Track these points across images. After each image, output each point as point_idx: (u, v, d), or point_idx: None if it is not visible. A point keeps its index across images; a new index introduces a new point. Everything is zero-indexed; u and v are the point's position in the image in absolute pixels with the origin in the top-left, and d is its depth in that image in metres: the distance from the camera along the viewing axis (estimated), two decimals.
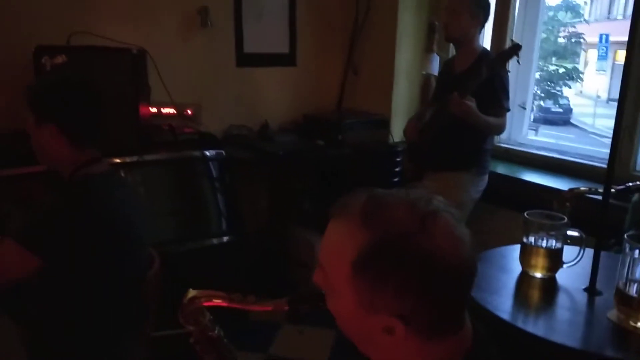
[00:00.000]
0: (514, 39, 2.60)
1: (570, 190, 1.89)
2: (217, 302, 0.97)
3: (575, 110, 5.24)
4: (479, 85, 2.12)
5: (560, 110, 5.24)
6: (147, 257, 1.57)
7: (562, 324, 1.30)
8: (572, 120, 5.18)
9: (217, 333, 1.06)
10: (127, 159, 2.28)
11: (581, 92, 5.25)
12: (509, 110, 2.34)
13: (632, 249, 1.22)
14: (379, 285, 0.68)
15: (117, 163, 2.19)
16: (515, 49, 2.07)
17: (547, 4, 2.96)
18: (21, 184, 1.92)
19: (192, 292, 1.00)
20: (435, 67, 3.04)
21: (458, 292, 0.71)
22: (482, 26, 2.37)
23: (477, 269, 0.72)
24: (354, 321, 0.73)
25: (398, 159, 2.81)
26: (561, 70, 4.72)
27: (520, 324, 1.28)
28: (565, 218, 1.46)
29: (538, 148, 2.80)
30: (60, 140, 1.35)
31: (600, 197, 1.41)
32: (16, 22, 2.39)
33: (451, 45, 2.64)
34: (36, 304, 1.50)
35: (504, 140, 2.89)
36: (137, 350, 1.55)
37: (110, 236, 1.36)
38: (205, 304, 0.99)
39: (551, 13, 4.39)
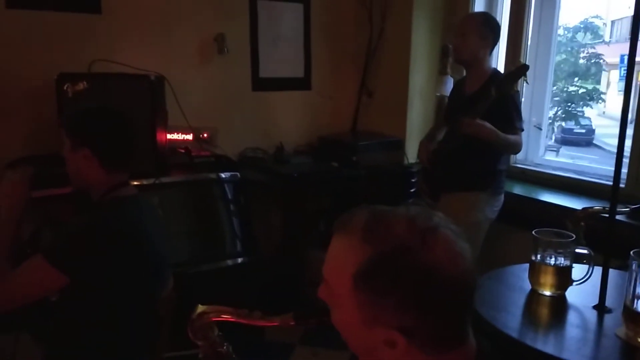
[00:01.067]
0: (522, 60, 2.65)
1: (584, 209, 1.91)
2: (225, 317, 1.01)
3: (598, 131, 5.20)
4: (489, 106, 2.16)
5: (583, 130, 5.21)
6: (165, 279, 1.65)
7: (571, 341, 1.32)
8: (595, 141, 5.14)
9: (226, 349, 1.09)
10: (144, 182, 2.37)
11: (604, 112, 5.22)
12: (522, 130, 2.37)
13: (638, 266, 1.24)
14: (380, 299, 0.71)
15: (135, 185, 2.29)
16: (523, 69, 2.11)
17: (564, 25, 3.01)
18: (49, 205, 2.03)
19: (200, 308, 1.04)
20: (449, 89, 3.10)
21: (458, 306, 0.73)
22: (492, 47, 2.42)
23: (477, 284, 0.75)
24: (357, 335, 0.76)
25: (413, 180, 2.86)
26: (581, 91, 4.72)
27: (528, 341, 1.30)
28: (574, 236, 1.49)
29: (555, 168, 2.82)
30: (93, 163, 1.46)
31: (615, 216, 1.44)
32: (40, 51, 2.53)
33: None
34: (54, 320, 1.57)
35: (520, 160, 2.92)
36: None
37: (136, 257, 1.45)
38: (214, 319, 1.03)
39: (569, 34, 4.44)
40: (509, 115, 2.28)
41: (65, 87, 2.32)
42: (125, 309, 1.46)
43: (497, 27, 2.41)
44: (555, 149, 3.84)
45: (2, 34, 2.46)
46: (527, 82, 2.19)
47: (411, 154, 3.08)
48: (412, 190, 2.88)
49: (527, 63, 2.21)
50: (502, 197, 2.46)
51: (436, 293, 0.69)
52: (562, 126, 4.82)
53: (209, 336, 1.06)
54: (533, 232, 1.51)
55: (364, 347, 0.77)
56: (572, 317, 1.43)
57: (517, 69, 2.13)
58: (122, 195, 1.51)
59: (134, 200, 1.55)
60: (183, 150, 2.71)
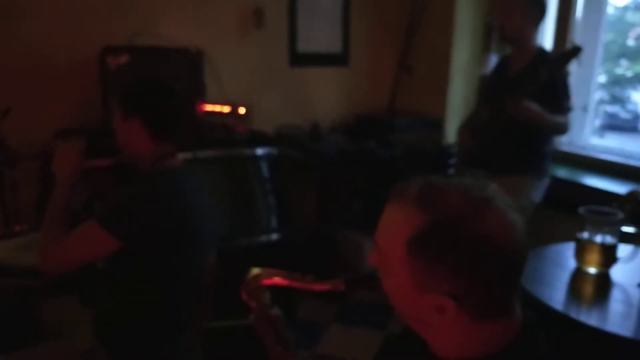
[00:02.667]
0: (574, 40, 2.64)
1: (631, 192, 1.95)
2: (277, 279, 1.06)
3: None
4: (537, 87, 2.18)
5: (629, 116, 5.14)
6: (210, 249, 1.74)
7: (615, 315, 1.39)
8: None
9: (276, 312, 1.14)
10: (182, 155, 2.47)
11: None
12: (570, 110, 2.38)
13: None
14: (432, 266, 0.75)
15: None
16: (576, 51, 2.11)
17: (613, 4, 2.98)
18: (95, 175, 2.16)
19: (255, 270, 1.10)
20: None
21: (509, 276, 0.77)
22: (539, 24, 2.41)
23: (527, 255, 0.78)
24: (407, 300, 0.80)
25: (451, 160, 2.90)
26: (629, 73, 4.65)
27: (573, 314, 1.38)
28: (622, 214, 1.54)
29: (601, 152, 2.83)
30: (142, 133, 1.55)
31: None
32: (83, 24, 2.65)
33: None
34: (100, 287, 1.69)
35: (564, 143, 2.94)
36: (195, 338, 1.70)
37: (183, 224, 1.53)
38: (266, 281, 1.07)
39: (619, 14, 4.37)
40: (557, 94, 2.29)
41: (108, 60, 2.43)
42: (170, 277, 1.56)
43: (543, 4, 2.40)
44: (600, 134, 3.82)
45: (47, 7, 2.58)
46: (579, 65, 2.19)
47: (450, 133, 3.12)
48: (450, 170, 2.92)
49: (578, 44, 2.21)
50: (548, 180, 2.48)
51: (488, 262, 0.74)
52: (606, 110, 4.77)
53: (261, 299, 1.11)
54: (580, 210, 1.57)
55: (413, 312, 0.81)
56: (616, 294, 1.49)
57: (569, 50, 2.13)
58: (170, 165, 1.59)
59: (181, 170, 1.64)
60: (220, 125, 2.81)
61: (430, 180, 0.80)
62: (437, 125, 3.15)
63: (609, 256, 1.55)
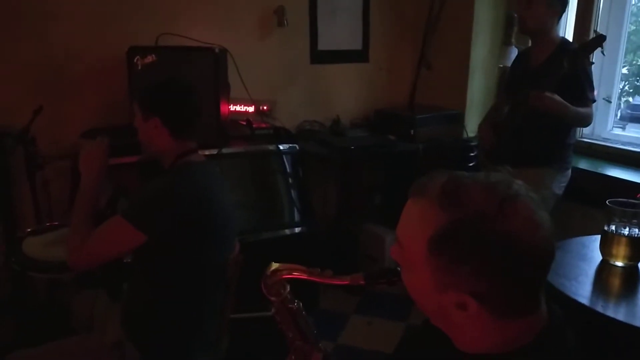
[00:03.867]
0: (597, 30, 2.55)
1: None
2: (297, 274, 1.04)
3: None
4: (560, 78, 2.10)
5: None
6: (233, 242, 1.73)
7: None
8: None
9: (297, 306, 1.12)
10: (207, 152, 2.46)
11: None
12: (594, 101, 2.30)
13: None
14: (454, 265, 0.71)
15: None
16: (599, 40, 2.03)
17: None
18: (120, 172, 2.17)
19: (274, 265, 1.08)
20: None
21: (533, 275, 0.73)
22: (560, 16, 2.34)
23: (554, 254, 0.73)
24: (428, 296, 0.77)
25: (472, 154, 2.84)
26: None
27: (599, 308, 1.31)
28: None
29: (624, 143, 2.74)
30: (163, 132, 1.56)
31: None
32: (110, 25, 2.66)
33: None
34: (127, 281, 1.69)
35: (587, 134, 2.85)
36: (220, 331, 1.70)
37: (206, 218, 1.53)
38: (286, 276, 1.05)
39: None
40: (581, 86, 2.22)
41: (135, 60, 2.42)
42: (195, 270, 1.55)
43: None
44: (621, 125, 3.70)
45: (75, 8, 2.59)
46: (603, 54, 2.10)
47: (471, 127, 3.05)
48: (471, 164, 2.86)
49: (602, 33, 2.12)
50: (570, 172, 2.41)
51: (512, 262, 0.69)
52: (629, 101, 4.62)
53: (281, 293, 1.09)
54: (607, 202, 1.49)
55: (435, 308, 0.78)
56: None
57: (593, 39, 2.06)
58: (191, 161, 1.60)
59: (203, 165, 1.64)
60: (244, 122, 2.80)
61: (453, 177, 0.75)
62: (458, 119, 3.09)
63: (636, 249, 1.48)
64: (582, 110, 2.23)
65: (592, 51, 2.08)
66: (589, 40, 2.08)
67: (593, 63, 2.26)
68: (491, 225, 0.69)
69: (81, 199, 1.58)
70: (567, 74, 2.09)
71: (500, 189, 0.72)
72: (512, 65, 2.67)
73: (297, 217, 2.76)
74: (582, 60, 2.10)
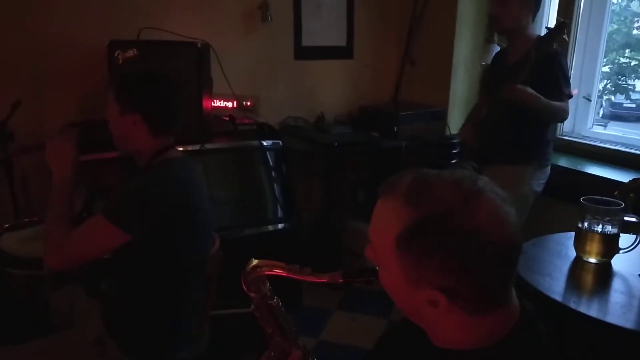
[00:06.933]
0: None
1: (634, 180, 1.90)
2: (277, 271, 1.04)
3: None
4: (532, 70, 2.13)
5: (633, 105, 5.04)
6: (212, 237, 1.73)
7: (616, 306, 1.34)
8: None
9: (276, 302, 1.14)
10: (190, 148, 2.45)
11: None
12: (571, 96, 2.33)
13: None
14: (422, 261, 0.73)
15: (181, 151, 2.38)
16: (562, 26, 2.07)
17: None
18: (97, 169, 2.14)
19: (254, 261, 1.09)
20: None
21: (501, 270, 0.74)
22: (535, 13, 2.36)
23: (521, 248, 0.76)
24: (402, 294, 0.79)
25: (455, 151, 2.87)
26: (633, 63, 4.55)
27: (572, 304, 1.33)
28: (623, 203, 1.50)
29: (604, 141, 2.78)
30: (142, 129, 1.51)
31: None
32: (91, 19, 2.63)
33: None
34: (107, 277, 1.68)
35: (567, 132, 2.89)
36: (199, 325, 1.70)
37: (187, 214, 1.52)
38: (266, 272, 1.06)
39: (623, 3, 4.28)
40: (553, 78, 2.25)
41: (116, 54, 2.40)
42: (175, 266, 1.54)
43: None
44: (603, 123, 3.76)
45: (56, 1, 2.56)
46: (567, 39, 2.13)
47: (453, 124, 3.08)
48: (453, 161, 2.89)
49: (563, 19, 2.17)
50: (549, 169, 2.44)
51: (478, 256, 0.71)
52: (611, 100, 4.69)
53: (261, 289, 1.11)
54: (581, 199, 1.53)
55: (410, 306, 0.80)
56: (617, 284, 1.45)
57: (555, 26, 2.10)
58: (170, 157, 1.57)
59: (182, 161, 1.61)
60: (227, 118, 2.80)
61: (420, 174, 0.78)
62: (441, 116, 3.11)
63: (609, 246, 1.51)
64: (556, 103, 2.25)
65: (555, 38, 2.12)
66: (551, 28, 2.13)
67: (560, 51, 2.28)
68: (456, 221, 0.71)
69: (54, 196, 1.52)
70: (536, 63, 2.11)
71: (465, 185, 0.74)
72: (490, 63, 2.70)
73: (280, 213, 2.76)
74: (546, 46, 2.13)
